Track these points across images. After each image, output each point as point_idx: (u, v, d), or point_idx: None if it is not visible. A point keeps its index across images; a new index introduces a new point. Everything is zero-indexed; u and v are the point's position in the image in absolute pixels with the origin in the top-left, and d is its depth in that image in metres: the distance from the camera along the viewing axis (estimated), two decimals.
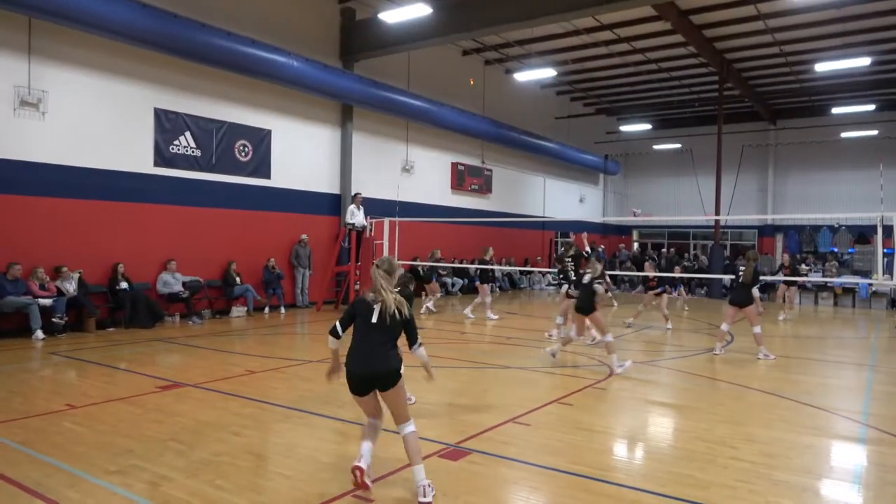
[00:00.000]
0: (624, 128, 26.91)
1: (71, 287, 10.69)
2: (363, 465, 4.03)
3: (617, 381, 7.75)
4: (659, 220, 27.95)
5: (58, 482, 4.18)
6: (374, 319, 4.14)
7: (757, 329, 9.60)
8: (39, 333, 9.87)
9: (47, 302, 10.15)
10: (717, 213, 21.28)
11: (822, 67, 17.81)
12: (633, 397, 7.05)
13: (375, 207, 15.86)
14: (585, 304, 8.54)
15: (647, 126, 26.42)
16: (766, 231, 27.15)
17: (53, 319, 10.17)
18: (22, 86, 10.36)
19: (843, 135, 24.00)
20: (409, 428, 4.16)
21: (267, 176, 14.41)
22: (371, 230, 14.93)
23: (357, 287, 14.56)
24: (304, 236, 14.92)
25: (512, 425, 5.66)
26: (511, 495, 4.26)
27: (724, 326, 10.02)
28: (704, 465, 4.73)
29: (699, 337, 12.12)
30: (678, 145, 27.39)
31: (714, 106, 23.32)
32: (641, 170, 30.27)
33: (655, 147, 28.41)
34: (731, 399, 6.96)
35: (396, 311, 4.16)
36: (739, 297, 9.81)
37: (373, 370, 4.16)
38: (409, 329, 4.35)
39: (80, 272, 10.99)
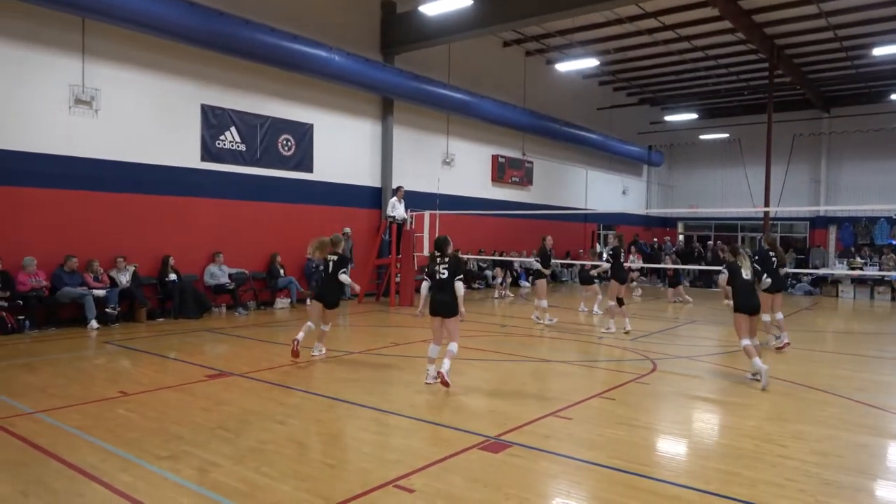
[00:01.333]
0: (668, 118, 26.34)
1: (125, 279, 11.08)
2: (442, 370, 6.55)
3: (660, 376, 7.61)
4: (705, 211, 27.27)
5: (112, 466, 4.34)
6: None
7: (779, 315, 9.43)
8: (94, 323, 10.26)
9: (101, 293, 10.55)
10: (767, 204, 20.64)
11: (879, 52, 17.07)
12: (677, 393, 6.92)
13: (416, 200, 15.93)
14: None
15: (693, 116, 25.77)
16: (819, 223, 26.20)
17: (107, 310, 10.57)
18: (76, 84, 10.75)
19: None
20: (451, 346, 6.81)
21: (309, 170, 14.62)
22: (412, 223, 14.99)
23: (398, 279, 14.65)
24: (346, 229, 14.78)
25: (553, 419, 5.63)
26: (552, 489, 4.24)
27: (766, 317, 9.61)
28: (751, 463, 4.61)
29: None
30: (726, 135, 26.64)
31: (763, 94, 22.58)
32: (687, 161, 29.57)
33: (701, 137, 27.70)
34: (779, 395, 6.76)
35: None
36: (775, 283, 9.31)
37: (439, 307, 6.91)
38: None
39: (135, 266, 11.37)
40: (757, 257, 9.41)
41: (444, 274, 6.89)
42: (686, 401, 6.62)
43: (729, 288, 7.49)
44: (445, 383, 6.52)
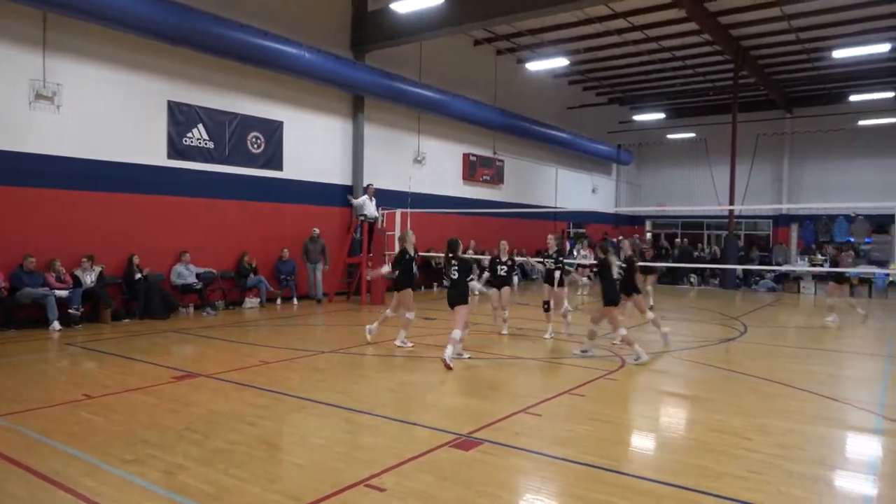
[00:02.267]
0: (637, 117, 26.72)
1: (90, 279, 10.82)
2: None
3: (629, 372, 7.72)
4: (672, 209, 27.74)
5: (75, 471, 4.24)
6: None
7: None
8: (56, 325, 10.00)
9: (63, 293, 10.29)
10: (732, 202, 21.09)
11: (839, 54, 17.57)
12: (646, 388, 7.03)
13: (387, 198, 15.87)
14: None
15: (661, 115, 26.18)
16: (782, 221, 26.86)
17: (70, 311, 10.31)
18: (37, 79, 10.45)
19: (861, 123, 23.66)
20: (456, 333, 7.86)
21: (279, 168, 14.46)
22: (383, 221, 14.93)
23: (369, 278, 14.59)
24: (315, 230, 14.56)
25: (523, 416, 5.67)
26: (523, 485, 4.27)
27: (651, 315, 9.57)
28: (718, 456, 4.71)
29: (711, 327, 12.04)
30: (692, 135, 27.14)
31: (729, 94, 23.04)
32: (655, 159, 30.04)
33: (669, 136, 28.17)
34: (744, 390, 6.92)
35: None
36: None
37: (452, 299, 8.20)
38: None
39: (102, 267, 11.11)
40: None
41: (455, 275, 8.25)
42: (654, 396, 6.74)
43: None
44: (448, 367, 7.54)
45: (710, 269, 21.61)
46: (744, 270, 20.93)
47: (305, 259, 14.54)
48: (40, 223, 10.57)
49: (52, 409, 5.73)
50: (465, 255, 8.70)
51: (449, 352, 7.65)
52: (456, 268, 8.26)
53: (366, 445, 4.92)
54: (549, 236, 10.50)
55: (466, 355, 8.27)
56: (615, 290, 8.37)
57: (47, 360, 8.14)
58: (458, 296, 8.19)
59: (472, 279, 8.46)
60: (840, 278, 13.40)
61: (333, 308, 13.84)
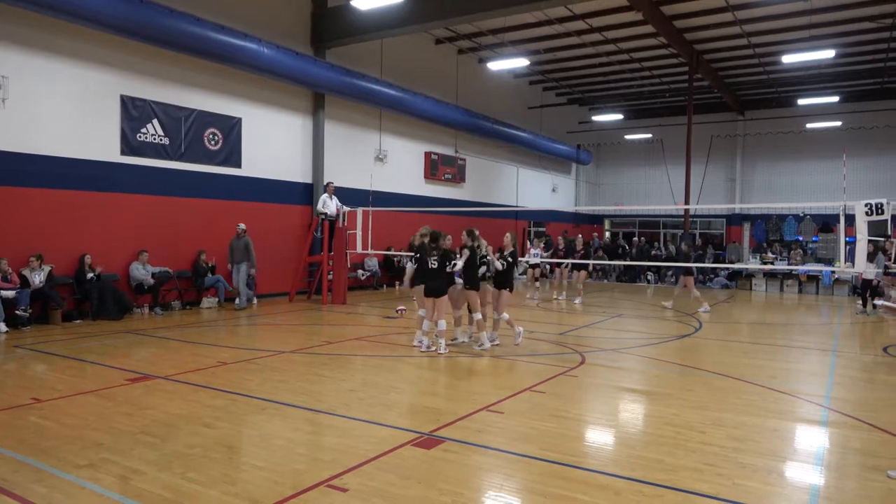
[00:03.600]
0: (596, 118, 27.14)
1: (38, 279, 10.44)
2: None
3: (589, 368, 7.85)
4: (630, 209, 28.30)
5: (24, 477, 4.10)
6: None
7: (504, 315, 9.12)
8: (2, 326, 9.63)
9: (10, 294, 9.90)
10: (687, 202, 21.61)
11: (788, 59, 18.14)
12: (605, 384, 7.16)
13: (348, 196, 15.75)
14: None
15: (619, 116, 26.65)
16: (734, 220, 27.66)
17: (17, 312, 9.93)
18: None
19: (809, 126, 24.56)
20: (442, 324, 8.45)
21: (238, 165, 14.20)
22: (344, 219, 14.82)
23: (330, 277, 14.47)
24: (240, 226, 13.19)
25: (485, 413, 5.71)
26: (485, 483, 4.30)
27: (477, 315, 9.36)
28: (673, 450, 4.83)
29: (668, 324, 12.33)
30: (649, 135, 27.71)
31: (684, 96, 23.62)
32: (613, 159, 30.56)
33: (627, 137, 28.69)
34: (699, 385, 7.11)
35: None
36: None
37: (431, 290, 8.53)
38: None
39: (51, 266, 10.72)
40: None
41: (435, 264, 8.50)
42: (613, 392, 6.86)
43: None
44: (437, 354, 8.30)
45: (666, 266, 22.08)
46: (699, 268, 21.46)
47: (229, 259, 13.19)
48: None
49: None
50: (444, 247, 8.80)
51: (443, 345, 8.45)
52: (436, 259, 8.50)
53: (327, 446, 4.88)
54: (507, 235, 9.98)
55: (442, 349, 8.52)
56: (476, 277, 8.86)
57: None
58: (437, 289, 8.46)
59: (454, 264, 8.63)
60: (688, 272, 14.81)
61: (294, 308, 13.67)
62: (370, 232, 14.42)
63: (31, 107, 10.70)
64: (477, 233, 9.13)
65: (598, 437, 5.39)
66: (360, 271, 17.23)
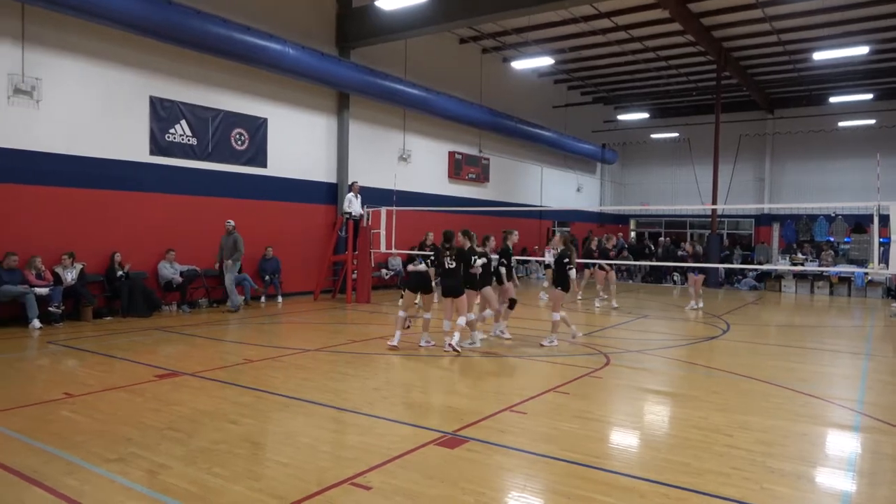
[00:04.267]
0: (621, 117, 26.88)
1: (70, 276, 10.67)
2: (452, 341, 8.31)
3: (613, 369, 7.78)
4: (656, 209, 27.97)
5: (56, 470, 4.19)
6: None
7: (470, 315, 8.96)
8: (36, 322, 9.86)
9: (43, 291, 10.14)
10: (714, 202, 21.30)
11: (819, 56, 17.78)
12: (629, 386, 7.08)
13: (372, 196, 15.83)
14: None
15: (645, 115, 26.37)
16: (763, 220, 27.18)
17: (50, 308, 10.16)
18: (16, 73, 10.28)
19: (841, 124, 24.01)
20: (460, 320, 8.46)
21: (263, 164, 14.36)
22: (368, 219, 14.90)
23: (354, 276, 14.54)
24: (229, 223, 12.58)
25: (508, 414, 5.69)
26: (508, 483, 4.28)
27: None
28: (699, 453, 4.76)
29: (695, 325, 12.16)
30: (676, 134, 27.37)
31: (712, 95, 23.28)
32: (639, 159, 30.24)
33: (653, 136, 28.39)
34: (726, 387, 6.99)
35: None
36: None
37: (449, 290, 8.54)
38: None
39: (83, 264, 10.96)
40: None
41: (452, 264, 8.55)
42: (638, 393, 6.79)
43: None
44: (456, 351, 8.24)
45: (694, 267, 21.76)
46: (726, 269, 21.13)
47: (219, 257, 12.63)
48: (19, 220, 10.41)
49: (32, 407, 5.65)
50: (469, 248, 8.83)
51: (456, 338, 8.34)
52: (452, 258, 8.57)
53: (351, 444, 4.91)
54: (557, 235, 10.51)
55: (475, 343, 8.83)
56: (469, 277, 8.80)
57: (27, 359, 8.02)
58: (455, 288, 8.49)
59: (474, 264, 8.66)
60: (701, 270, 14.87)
61: (318, 306, 13.78)
62: (394, 231, 14.47)
63: (64, 108, 10.95)
64: (474, 235, 9.17)
65: (623, 439, 5.33)
66: (383, 270, 17.30)
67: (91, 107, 11.33)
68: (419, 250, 15.34)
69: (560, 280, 9.27)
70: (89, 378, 6.82)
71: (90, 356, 8.00)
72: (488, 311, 9.52)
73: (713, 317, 13.30)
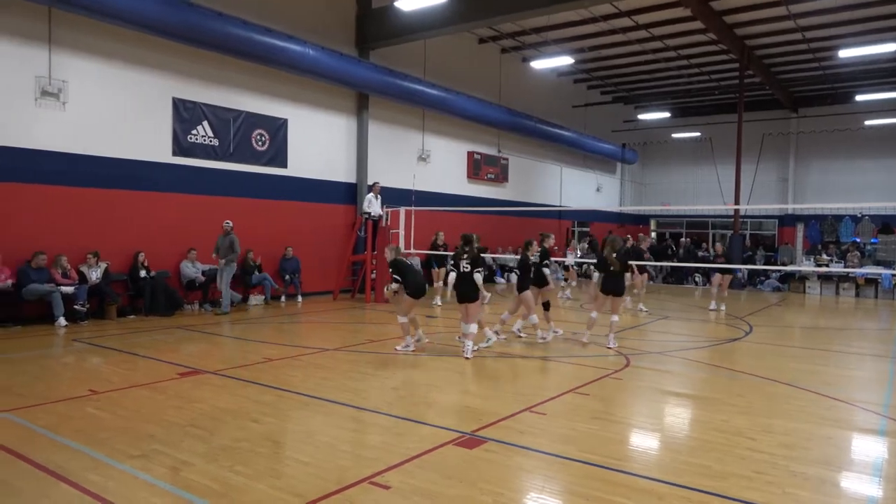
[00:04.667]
0: (642, 116, 26.67)
1: (95, 275, 10.86)
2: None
3: (634, 371, 7.72)
4: (677, 209, 27.69)
5: (80, 466, 4.26)
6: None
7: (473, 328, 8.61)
8: (62, 320, 10.04)
9: (69, 290, 10.32)
10: (737, 202, 21.03)
11: (845, 54, 17.46)
12: (650, 387, 7.02)
13: (391, 196, 15.88)
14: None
15: (666, 114, 26.13)
16: (787, 221, 26.79)
17: (75, 307, 10.35)
18: (43, 76, 10.49)
19: (867, 123, 23.57)
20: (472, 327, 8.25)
21: (283, 165, 14.48)
22: (387, 219, 14.95)
23: (374, 276, 14.60)
24: (226, 223, 12.14)
25: (528, 414, 5.67)
26: (526, 483, 4.27)
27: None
28: (721, 456, 4.71)
29: (717, 327, 12.01)
30: (697, 134, 27.08)
31: (734, 94, 23.00)
32: (659, 158, 29.99)
33: (674, 135, 28.11)
34: (749, 390, 6.90)
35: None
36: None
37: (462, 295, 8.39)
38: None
39: (107, 263, 11.15)
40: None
41: (467, 268, 8.31)
42: (658, 395, 6.73)
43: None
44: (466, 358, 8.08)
45: (716, 268, 21.52)
46: (749, 270, 20.85)
47: (216, 256, 12.14)
48: (46, 219, 10.61)
49: (58, 404, 5.75)
50: (478, 249, 8.68)
51: (468, 346, 8.16)
52: (468, 262, 8.30)
53: (370, 443, 4.93)
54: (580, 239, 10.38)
55: (491, 340, 8.82)
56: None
57: (53, 356, 8.17)
58: (468, 294, 8.31)
59: (479, 271, 8.34)
60: (726, 271, 14.66)
61: (337, 306, 13.86)
62: (413, 231, 14.50)
63: (89, 110, 11.14)
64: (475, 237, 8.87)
65: (643, 441, 5.29)
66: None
67: (116, 108, 11.51)
68: (431, 250, 15.41)
69: (536, 280, 9.35)
70: (113, 375, 6.94)
71: (114, 354, 8.13)
72: (534, 317, 9.37)
73: (735, 318, 13.13)
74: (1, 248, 9.94)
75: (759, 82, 22.72)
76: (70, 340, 9.06)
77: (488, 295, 8.81)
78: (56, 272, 10.39)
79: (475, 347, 8.42)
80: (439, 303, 13.71)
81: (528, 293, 9.32)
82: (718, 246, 15.66)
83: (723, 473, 4.36)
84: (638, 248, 14.88)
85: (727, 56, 20.78)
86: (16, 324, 9.90)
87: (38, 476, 4.09)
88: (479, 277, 8.27)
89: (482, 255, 8.88)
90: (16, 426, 5.09)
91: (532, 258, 9.59)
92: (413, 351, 8.50)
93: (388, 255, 8.69)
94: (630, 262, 12.27)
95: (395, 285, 8.49)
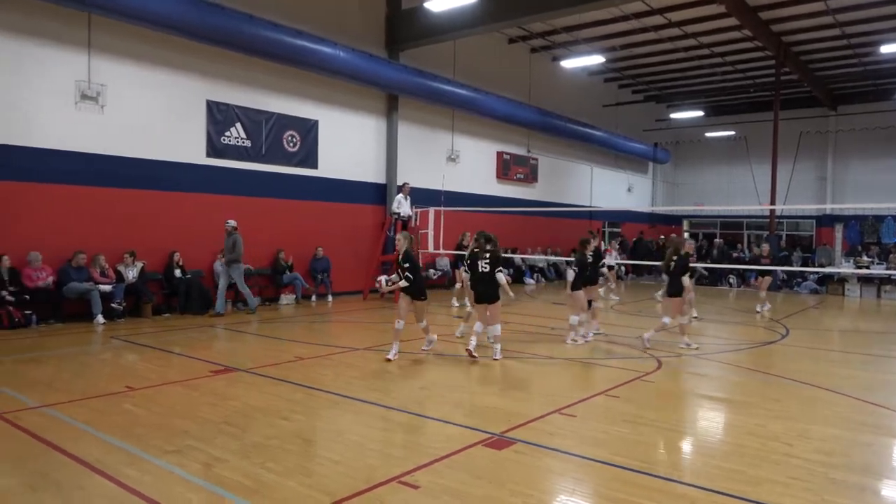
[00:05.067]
0: (674, 115, 26.27)
1: (132, 274, 11.12)
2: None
3: (666, 374, 7.60)
4: (711, 209, 27.20)
5: (117, 460, 4.36)
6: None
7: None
8: (100, 318, 10.31)
9: (107, 288, 10.59)
10: (773, 202, 20.57)
11: (887, 49, 16.95)
12: (682, 391, 6.91)
13: (420, 196, 15.92)
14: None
15: (699, 113, 25.70)
16: (825, 221, 26.10)
17: (112, 305, 10.62)
18: (82, 80, 10.78)
19: None
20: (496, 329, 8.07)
21: (314, 166, 14.63)
22: (416, 219, 14.98)
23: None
24: (229, 223, 11.91)
25: (557, 416, 5.63)
26: (556, 485, 4.24)
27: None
28: (757, 462, 4.60)
29: (752, 329, 11.76)
30: (732, 132, 26.56)
31: (770, 91, 22.49)
32: (692, 158, 29.50)
33: (707, 134, 27.61)
34: (785, 394, 6.74)
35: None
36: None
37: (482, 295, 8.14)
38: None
39: (143, 263, 11.41)
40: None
41: (486, 267, 8.07)
42: (691, 398, 6.62)
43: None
44: (472, 356, 7.91)
45: (751, 270, 21.11)
46: (785, 272, 20.38)
47: (221, 257, 12.18)
48: (85, 220, 10.90)
49: (96, 399, 5.90)
50: (497, 248, 8.41)
51: (498, 350, 8.08)
52: (487, 261, 8.08)
53: (399, 443, 4.94)
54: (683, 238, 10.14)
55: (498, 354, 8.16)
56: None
57: (91, 353, 8.39)
58: (489, 294, 8.08)
59: (501, 270, 8.12)
60: (765, 273, 14.56)
61: (367, 306, 13.95)
62: (441, 231, 14.51)
63: (126, 112, 11.41)
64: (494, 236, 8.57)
65: (675, 445, 5.20)
66: (431, 271, 17.37)
67: (152, 111, 11.77)
68: (456, 250, 15.38)
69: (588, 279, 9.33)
70: (149, 372, 7.09)
71: (149, 351, 8.31)
72: (577, 318, 9.31)
73: (771, 321, 12.84)
74: (42, 248, 10.24)
75: (797, 80, 22.19)
76: (108, 338, 9.29)
77: (513, 295, 8.70)
78: (94, 271, 10.67)
79: (498, 351, 8.12)
80: (456, 304, 13.57)
81: (581, 292, 9.26)
82: (766, 247, 15.11)
83: (757, 479, 4.27)
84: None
85: (763, 53, 20.34)
86: (57, 321, 10.19)
87: (77, 469, 4.20)
88: (501, 276, 8.05)
89: (503, 254, 8.69)
90: (57, 420, 5.23)
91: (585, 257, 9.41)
92: (429, 350, 8.37)
93: (403, 243, 7.98)
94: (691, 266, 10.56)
95: (403, 283, 7.86)
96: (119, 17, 10.53)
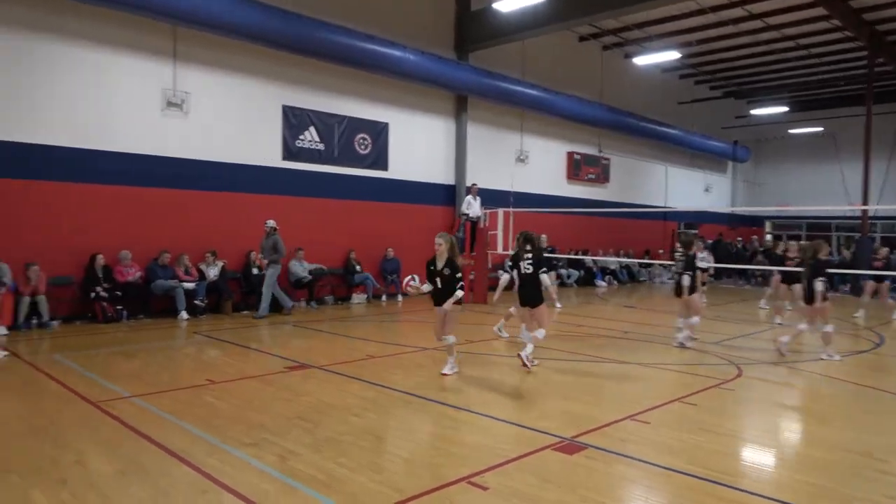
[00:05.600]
0: (755, 111, 25.11)
1: (213, 273, 11.64)
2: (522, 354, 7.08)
3: (746, 382, 7.27)
4: (796, 209, 25.86)
5: (200, 450, 4.57)
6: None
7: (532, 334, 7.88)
8: (184, 314, 10.84)
9: (190, 286, 11.13)
10: (865, 202, 19.34)
11: None
12: (764, 400, 6.59)
13: (489, 197, 15.89)
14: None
15: (783, 109, 24.45)
16: None
17: (195, 302, 11.14)
18: (168, 88, 11.37)
19: None
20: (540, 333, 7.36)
21: (385, 168, 14.87)
22: (485, 220, 14.97)
23: (472, 277, 14.65)
24: (268, 223, 11.59)
25: (630, 422, 5.48)
26: (627, 493, 4.13)
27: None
28: (847, 478, 4.33)
29: (841, 337, 11.07)
30: (819, 129, 25.15)
31: (862, 84, 21.14)
32: (775, 156, 28.13)
33: (791, 131, 26.27)
34: (879, 407, 6.32)
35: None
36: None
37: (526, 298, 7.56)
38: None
39: (224, 262, 11.92)
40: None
41: (529, 269, 7.55)
42: (774, 408, 6.30)
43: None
44: (525, 366, 7.15)
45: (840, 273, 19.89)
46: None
47: (254, 258, 12.12)
48: (169, 220, 11.49)
49: (181, 391, 6.21)
50: (542, 249, 8.12)
51: (528, 350, 7.16)
52: (530, 262, 7.56)
53: (468, 443, 4.94)
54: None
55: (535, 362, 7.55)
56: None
57: (176, 347, 8.83)
58: (532, 297, 7.51)
59: (545, 271, 7.68)
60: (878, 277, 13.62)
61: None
62: (511, 233, 14.41)
63: (208, 118, 11.96)
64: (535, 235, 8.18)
65: (756, 457, 4.96)
66: (500, 272, 17.27)
67: (232, 117, 12.29)
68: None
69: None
70: (228, 367, 7.39)
71: (229, 346, 8.66)
72: (696, 319, 9.09)
73: (863, 328, 12.07)
74: (132, 247, 10.87)
75: (891, 71, 20.77)
76: (191, 333, 9.75)
77: (557, 301, 8.28)
78: (179, 270, 11.23)
79: (534, 362, 7.45)
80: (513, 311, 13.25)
81: (696, 296, 9.02)
82: (883, 250, 13.94)
83: (848, 497, 4.01)
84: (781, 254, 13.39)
85: (853, 44, 19.17)
86: (146, 316, 10.80)
87: (163, 457, 4.42)
88: (545, 278, 7.61)
89: (547, 254, 8.28)
90: (144, 410, 5.53)
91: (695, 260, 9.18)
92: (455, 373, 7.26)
93: (445, 243, 7.30)
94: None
95: (426, 287, 7.35)
96: (204, 28, 11.06)
